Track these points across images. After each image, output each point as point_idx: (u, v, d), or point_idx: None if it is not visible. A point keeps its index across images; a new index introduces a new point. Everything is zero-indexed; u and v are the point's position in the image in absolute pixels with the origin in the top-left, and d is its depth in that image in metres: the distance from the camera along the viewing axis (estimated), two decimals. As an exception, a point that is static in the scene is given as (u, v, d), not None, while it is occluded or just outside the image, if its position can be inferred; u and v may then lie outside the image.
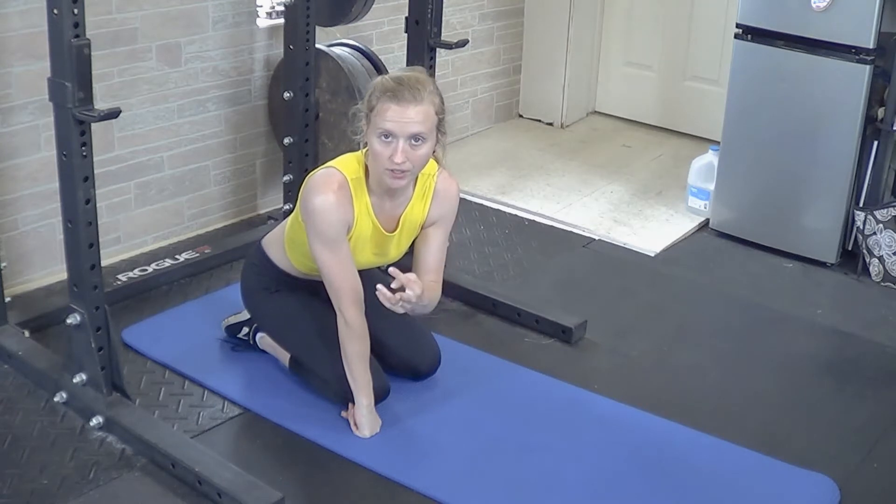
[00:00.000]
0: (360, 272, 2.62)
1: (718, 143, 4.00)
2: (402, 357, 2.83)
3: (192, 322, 3.14)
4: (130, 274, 3.34)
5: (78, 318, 2.58)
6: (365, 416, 2.62)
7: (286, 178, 3.66)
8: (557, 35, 5.09)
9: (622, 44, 5.22)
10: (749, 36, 3.74)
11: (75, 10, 2.31)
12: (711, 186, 4.06)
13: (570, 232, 4.04)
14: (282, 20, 3.60)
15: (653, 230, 4.06)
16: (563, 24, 5.06)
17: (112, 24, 3.28)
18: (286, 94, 3.53)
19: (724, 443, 2.68)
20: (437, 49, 3.34)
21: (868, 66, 3.50)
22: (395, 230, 2.65)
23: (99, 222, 2.56)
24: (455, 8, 4.62)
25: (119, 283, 3.27)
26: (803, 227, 3.80)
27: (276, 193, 3.92)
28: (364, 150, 2.57)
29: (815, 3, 3.52)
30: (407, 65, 3.39)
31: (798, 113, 3.70)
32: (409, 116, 2.41)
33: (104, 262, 2.76)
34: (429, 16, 3.28)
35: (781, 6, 3.63)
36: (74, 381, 2.61)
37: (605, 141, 5.07)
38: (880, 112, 3.58)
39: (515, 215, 4.16)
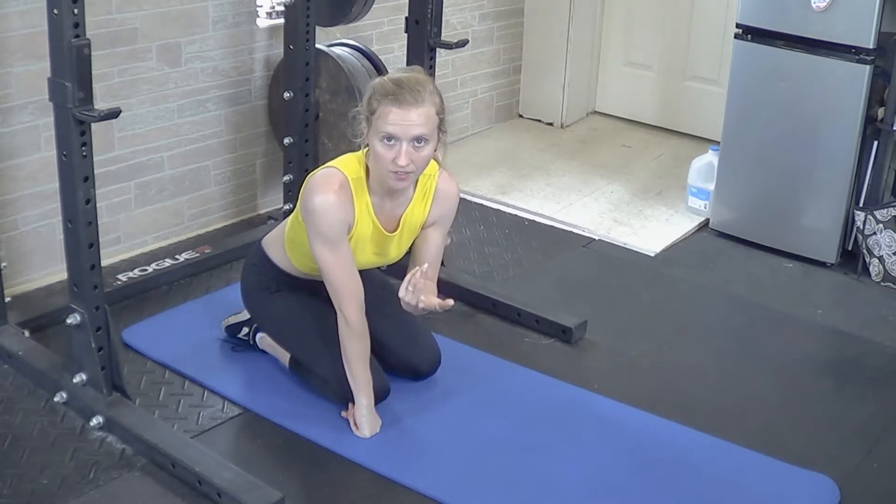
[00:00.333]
0: (361, 272, 2.62)
1: (718, 143, 4.00)
2: (402, 357, 2.83)
3: (192, 322, 3.14)
4: (130, 274, 3.34)
5: (78, 318, 2.58)
6: (365, 416, 2.62)
7: (286, 178, 3.66)
8: (557, 35, 5.09)
9: (622, 44, 5.22)
10: (749, 36, 3.74)
11: (75, 10, 2.31)
12: (711, 186, 4.07)
13: (570, 232, 4.04)
14: (282, 20, 3.61)
15: (653, 230, 4.07)
16: (563, 24, 5.06)
17: (112, 24, 3.28)
18: (286, 94, 3.53)
19: (724, 443, 2.68)
20: (437, 49, 3.34)
21: (868, 66, 3.50)
22: (395, 230, 2.65)
23: (99, 222, 2.56)
24: (455, 8, 4.62)
25: (119, 283, 3.27)
26: (803, 227, 3.80)
27: (276, 193, 3.92)
28: (365, 150, 2.57)
29: (815, 3, 3.52)
30: (407, 65, 3.39)
31: (798, 113, 3.70)
32: (411, 119, 2.41)
33: (104, 262, 2.76)
34: (429, 16, 3.28)
35: (781, 6, 3.63)
36: (74, 381, 2.61)
37: (605, 141, 5.07)
38: (880, 112, 3.58)
39: (515, 215, 4.16)
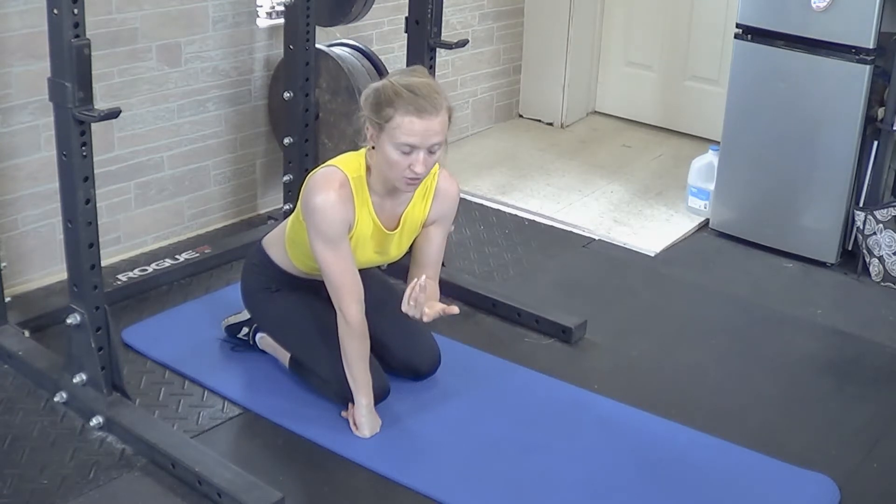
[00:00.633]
0: (361, 272, 2.62)
1: (718, 143, 4.00)
2: (402, 357, 2.83)
3: (192, 322, 3.14)
4: (130, 274, 3.34)
5: (78, 318, 2.58)
6: (364, 416, 2.62)
7: (286, 178, 3.66)
8: (557, 35, 5.09)
9: (622, 44, 5.22)
10: (749, 36, 3.74)
11: (75, 10, 2.31)
12: (711, 186, 4.07)
13: (570, 232, 4.04)
14: (282, 20, 3.61)
15: (653, 230, 4.06)
16: (563, 24, 5.06)
17: (112, 24, 3.28)
18: (286, 94, 3.53)
19: (724, 443, 2.68)
20: (437, 49, 3.34)
21: (868, 66, 3.50)
22: (396, 228, 2.65)
23: (99, 222, 2.56)
24: (455, 8, 4.62)
25: (119, 283, 3.27)
26: (803, 227, 3.80)
27: (276, 193, 3.92)
28: (366, 149, 2.57)
29: (815, 3, 3.52)
30: (407, 65, 3.38)
31: (798, 113, 3.70)
32: (431, 129, 2.42)
33: (104, 262, 2.76)
34: (429, 16, 3.28)
35: (781, 6, 3.63)
36: (74, 381, 2.61)
37: (605, 141, 5.07)
38: (880, 112, 3.58)
39: (515, 215, 4.16)
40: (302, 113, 3.55)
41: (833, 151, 3.65)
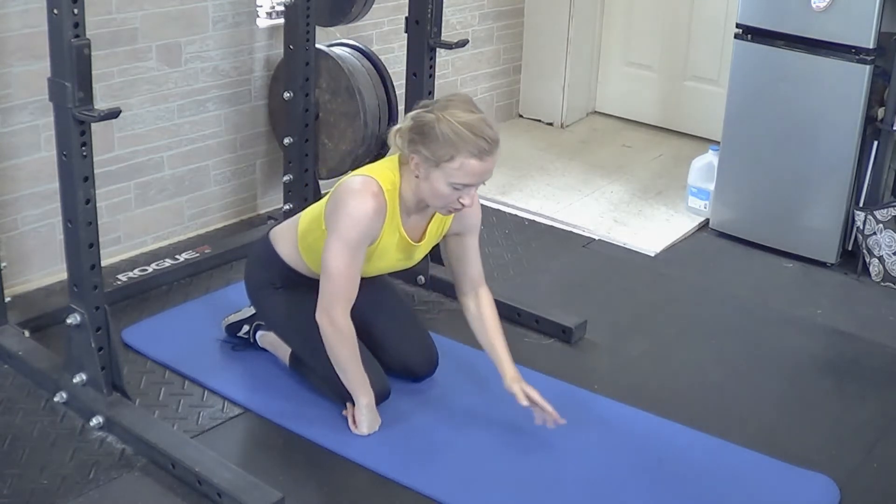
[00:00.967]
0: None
1: (718, 143, 4.00)
2: (400, 358, 2.83)
3: (192, 322, 3.14)
4: (130, 274, 3.34)
5: (78, 318, 2.58)
6: (364, 415, 2.62)
7: (286, 178, 3.66)
8: (557, 35, 5.09)
9: (622, 44, 5.22)
10: (749, 36, 3.74)
11: (75, 10, 2.30)
12: (711, 186, 4.07)
13: (570, 232, 4.04)
14: (282, 20, 3.61)
15: (653, 230, 4.06)
16: (563, 24, 5.06)
17: (112, 24, 3.28)
18: (286, 94, 3.54)
19: (725, 443, 2.68)
20: (437, 49, 3.34)
21: (868, 66, 3.50)
22: (421, 240, 2.66)
23: (99, 222, 2.55)
24: (455, 8, 4.62)
25: (119, 283, 3.27)
26: (803, 227, 3.80)
27: (276, 193, 3.92)
28: (399, 161, 2.55)
29: (815, 3, 3.52)
30: (407, 65, 3.37)
31: (798, 113, 3.70)
32: (489, 169, 2.43)
33: (104, 262, 2.76)
34: (429, 16, 3.28)
35: (781, 6, 3.63)
36: (74, 381, 2.61)
37: (605, 141, 5.07)
38: (880, 112, 3.58)
39: (515, 215, 4.16)
40: (302, 113, 3.55)
41: (833, 151, 3.65)
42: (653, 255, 3.87)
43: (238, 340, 3.00)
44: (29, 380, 2.79)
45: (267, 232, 2.87)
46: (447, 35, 3.54)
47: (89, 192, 2.48)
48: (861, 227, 3.65)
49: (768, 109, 3.77)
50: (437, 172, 2.43)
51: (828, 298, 3.58)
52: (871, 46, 3.47)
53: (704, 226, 4.11)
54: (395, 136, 2.52)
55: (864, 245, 3.67)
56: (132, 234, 3.57)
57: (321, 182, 3.82)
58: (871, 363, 3.17)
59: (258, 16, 3.79)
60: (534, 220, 4.12)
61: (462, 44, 3.39)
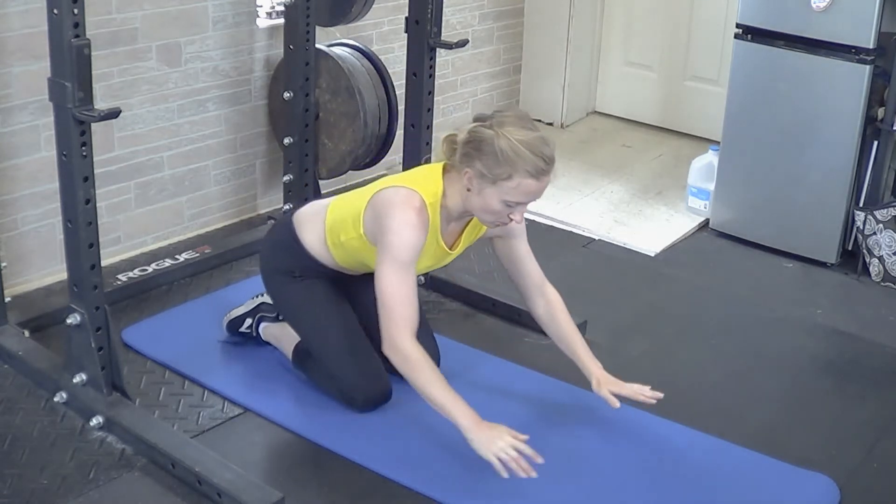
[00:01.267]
0: (368, 274, 2.62)
1: (718, 143, 4.00)
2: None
3: (192, 322, 3.14)
4: (130, 274, 3.34)
5: (78, 318, 2.58)
6: (476, 441, 2.36)
7: (286, 178, 3.66)
8: (557, 35, 5.09)
9: (622, 44, 5.22)
10: (749, 36, 3.74)
11: (75, 10, 2.30)
12: (711, 186, 4.07)
13: (570, 232, 4.04)
14: (282, 20, 3.61)
15: (653, 230, 4.07)
16: (563, 24, 5.06)
17: (112, 24, 3.28)
18: (286, 94, 3.54)
19: (725, 443, 2.68)
20: (437, 49, 3.34)
21: (868, 66, 3.50)
22: (455, 246, 2.64)
23: (99, 222, 2.55)
24: (455, 8, 4.62)
25: (119, 283, 3.27)
26: (803, 227, 3.80)
27: (276, 193, 3.92)
28: (443, 170, 2.50)
29: (815, 3, 3.52)
30: (407, 65, 3.37)
31: (798, 113, 3.70)
32: (544, 187, 2.43)
33: (104, 262, 2.76)
34: (429, 16, 3.28)
35: (781, 6, 3.63)
36: (74, 381, 2.61)
37: (605, 141, 5.07)
38: (880, 112, 3.58)
39: (515, 215, 4.15)
40: (302, 113, 3.55)
41: (833, 151, 3.65)
42: (653, 255, 3.87)
43: (240, 337, 2.99)
44: (29, 380, 2.79)
45: (290, 215, 2.79)
46: (447, 35, 3.54)
47: (89, 192, 2.48)
48: (861, 227, 3.65)
49: (768, 109, 3.77)
50: (492, 189, 2.38)
51: (828, 298, 3.58)
52: (871, 46, 3.47)
53: (704, 226, 4.11)
54: (446, 145, 2.47)
55: (864, 245, 3.67)
56: (132, 234, 3.57)
57: (321, 182, 3.83)
58: (871, 363, 3.17)
59: (258, 16, 3.80)
60: (534, 220, 4.11)
61: (462, 44, 3.39)
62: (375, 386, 2.69)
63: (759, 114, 3.80)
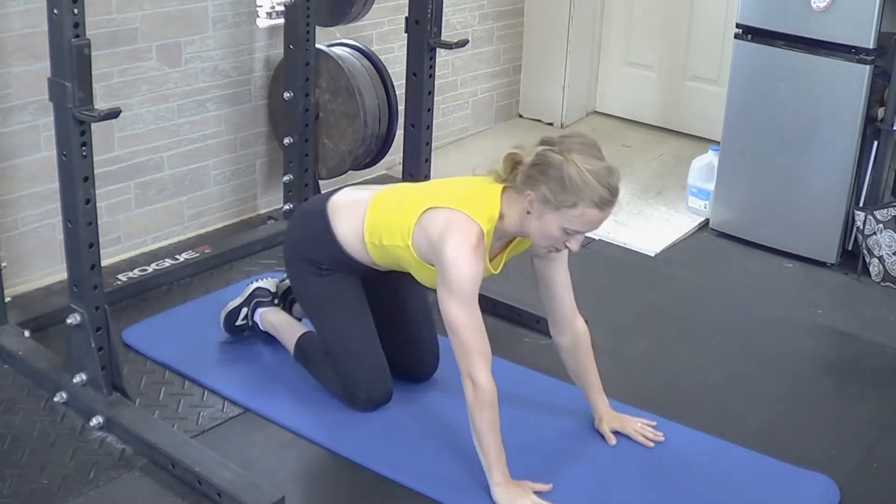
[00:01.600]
0: (369, 274, 2.64)
1: (718, 143, 4.00)
2: (401, 359, 2.81)
3: (192, 322, 3.14)
4: (130, 274, 3.34)
5: (78, 318, 2.58)
6: (503, 497, 2.37)
7: (286, 178, 3.66)
8: (557, 35, 5.09)
9: (622, 44, 5.22)
10: (749, 36, 3.74)
11: (75, 10, 2.31)
12: (711, 186, 4.07)
13: (570, 232, 4.03)
14: (282, 20, 3.61)
15: (653, 230, 4.06)
16: (563, 24, 5.06)
17: (112, 24, 3.28)
18: (286, 94, 3.54)
19: (725, 443, 2.68)
20: (437, 49, 3.34)
21: (868, 66, 3.50)
22: (498, 270, 2.57)
23: (99, 222, 2.56)
24: (455, 8, 4.62)
25: (119, 283, 3.27)
26: (803, 228, 3.80)
27: (276, 193, 3.92)
28: (501, 190, 2.41)
29: (815, 3, 3.52)
30: (407, 65, 3.37)
31: (798, 113, 3.70)
32: (605, 219, 2.35)
33: (104, 262, 2.76)
34: (429, 16, 3.28)
35: (781, 6, 3.63)
36: (74, 381, 2.61)
37: (605, 141, 5.04)
38: (880, 112, 3.58)
39: (515, 215, 4.15)
40: (302, 113, 3.56)
41: (833, 151, 3.65)
42: (653, 255, 3.87)
43: (238, 334, 2.98)
44: (29, 380, 2.79)
45: (324, 202, 2.69)
46: (447, 35, 3.54)
47: (89, 192, 2.48)
48: (861, 227, 3.65)
49: (768, 109, 3.77)
50: (554, 215, 2.31)
51: (828, 298, 3.58)
52: (871, 46, 3.47)
53: (704, 226, 4.11)
54: (507, 163, 2.40)
55: (864, 245, 3.67)
56: (132, 234, 3.57)
57: (321, 182, 3.83)
58: (871, 363, 3.17)
59: (258, 16, 3.79)
60: (534, 220, 4.11)
61: (462, 44, 3.39)
62: (380, 387, 2.69)
63: (758, 114, 3.80)
